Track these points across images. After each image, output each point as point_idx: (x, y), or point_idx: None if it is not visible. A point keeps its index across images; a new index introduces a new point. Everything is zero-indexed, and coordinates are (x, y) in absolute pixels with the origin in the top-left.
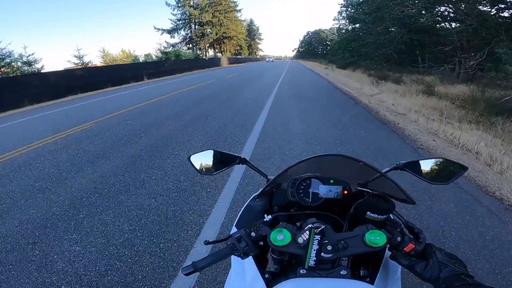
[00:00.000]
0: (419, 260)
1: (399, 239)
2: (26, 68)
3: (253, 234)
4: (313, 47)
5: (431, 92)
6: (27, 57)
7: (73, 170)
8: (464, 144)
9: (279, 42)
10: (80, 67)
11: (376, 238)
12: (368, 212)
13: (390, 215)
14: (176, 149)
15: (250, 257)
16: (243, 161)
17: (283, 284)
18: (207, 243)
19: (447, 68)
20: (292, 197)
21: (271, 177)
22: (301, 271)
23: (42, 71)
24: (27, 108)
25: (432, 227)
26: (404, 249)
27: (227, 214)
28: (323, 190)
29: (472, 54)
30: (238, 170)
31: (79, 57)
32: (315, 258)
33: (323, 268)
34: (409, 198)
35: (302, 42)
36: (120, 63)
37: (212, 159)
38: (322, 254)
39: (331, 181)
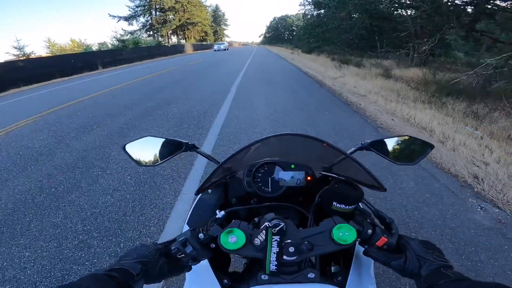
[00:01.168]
0: (395, 255)
1: (370, 232)
2: None
3: (201, 235)
4: (280, 32)
5: (388, 75)
6: None
7: (14, 170)
8: (419, 122)
9: (246, 28)
10: (22, 58)
11: (344, 234)
12: (334, 203)
13: (361, 204)
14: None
15: (206, 260)
16: (191, 147)
17: None
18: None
19: (402, 53)
20: (249, 187)
21: (226, 165)
22: (262, 277)
23: None
24: None
25: (396, 207)
26: (376, 243)
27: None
28: (284, 177)
29: (425, 39)
30: (202, 157)
31: (19, 48)
32: (276, 262)
33: (288, 272)
34: (379, 184)
35: (268, 27)
36: (70, 52)
37: (152, 147)
38: (284, 257)
39: (292, 166)
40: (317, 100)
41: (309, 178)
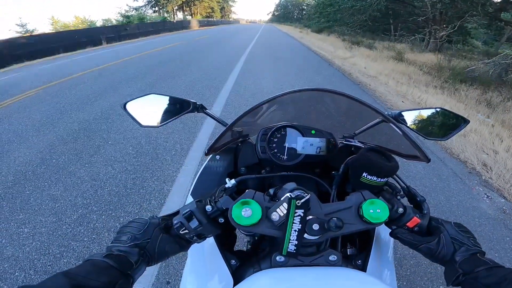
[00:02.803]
0: (427, 237)
1: (401, 210)
2: None
3: (208, 207)
4: (289, 11)
5: (400, 58)
6: None
7: (15, 141)
8: (430, 106)
9: (253, 5)
10: (25, 35)
11: (376, 211)
12: (364, 174)
13: (393, 178)
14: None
15: (211, 238)
16: (199, 108)
17: (255, 276)
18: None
19: (418, 38)
20: (262, 153)
21: (236, 129)
22: (277, 259)
23: None
24: None
25: None
26: (407, 224)
27: (194, 180)
28: (303, 144)
29: (444, 25)
30: (206, 127)
31: (22, 25)
32: (296, 242)
33: (306, 253)
34: (423, 154)
35: (278, 5)
36: (74, 29)
37: (156, 106)
38: (305, 235)
39: (313, 131)
40: (325, 78)
41: (330, 146)
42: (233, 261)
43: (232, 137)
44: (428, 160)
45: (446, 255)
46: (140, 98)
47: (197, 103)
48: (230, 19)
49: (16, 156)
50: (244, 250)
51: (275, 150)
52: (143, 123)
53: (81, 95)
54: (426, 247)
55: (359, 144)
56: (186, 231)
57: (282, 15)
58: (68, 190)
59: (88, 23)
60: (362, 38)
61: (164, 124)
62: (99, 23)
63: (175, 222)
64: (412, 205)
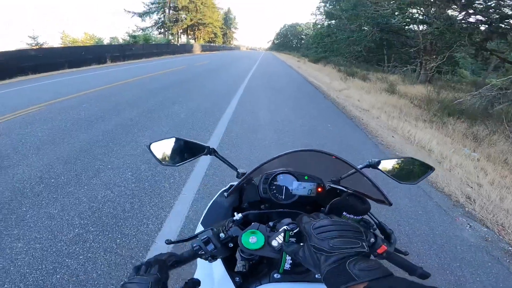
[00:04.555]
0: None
1: (372, 240)
2: None
3: (222, 235)
4: (288, 40)
5: (393, 91)
6: None
7: (15, 158)
8: (419, 141)
9: (254, 33)
10: (35, 47)
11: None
12: (344, 213)
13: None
14: (137, 136)
15: (219, 259)
16: (212, 151)
17: None
18: (168, 242)
19: (409, 69)
20: (264, 193)
21: (241, 170)
22: (275, 276)
23: None
24: None
25: (389, 221)
26: (377, 250)
27: (191, 207)
28: (297, 187)
29: (434, 56)
30: (204, 158)
31: (34, 38)
32: (291, 261)
33: (299, 272)
34: (386, 199)
35: (278, 34)
36: (81, 45)
37: (175, 148)
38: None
39: (306, 177)
40: (320, 111)
41: (319, 189)
42: (237, 278)
43: (238, 178)
44: (390, 204)
45: None
46: (163, 140)
47: (210, 147)
48: (232, 45)
49: (14, 172)
50: (243, 271)
51: (275, 191)
52: (163, 162)
53: (84, 115)
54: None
55: (342, 188)
56: (203, 252)
57: (282, 44)
58: (66, 210)
59: (96, 40)
60: (357, 68)
61: (181, 164)
62: (106, 41)
63: (194, 245)
64: (383, 236)
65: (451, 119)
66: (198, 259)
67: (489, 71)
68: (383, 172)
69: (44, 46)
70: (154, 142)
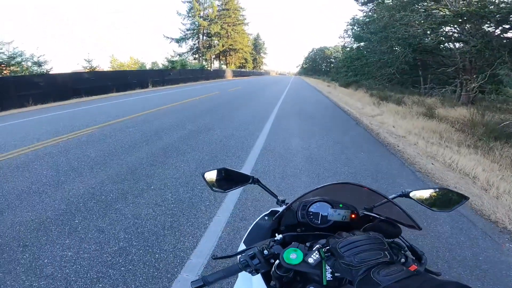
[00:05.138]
0: None
1: (402, 260)
2: (35, 68)
3: (265, 252)
4: (317, 64)
5: (431, 115)
6: (38, 57)
7: (71, 175)
8: (462, 168)
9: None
10: (88, 70)
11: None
12: None
13: (399, 239)
14: (177, 160)
15: (259, 274)
16: (255, 181)
17: None
18: (215, 257)
19: (449, 90)
20: (302, 218)
21: (281, 198)
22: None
23: (50, 72)
24: (31, 108)
25: (428, 248)
26: (409, 268)
27: (224, 228)
28: (332, 213)
29: (474, 76)
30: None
31: (89, 61)
32: (330, 274)
33: (331, 286)
34: (415, 224)
35: (306, 58)
36: (127, 69)
37: (224, 176)
38: (335, 274)
39: (340, 205)
40: (352, 139)
41: (353, 216)
42: None
43: (277, 204)
44: (420, 229)
45: None
46: (214, 170)
47: (254, 177)
48: (261, 70)
49: (70, 187)
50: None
51: (311, 217)
52: (214, 188)
53: (130, 139)
54: None
55: (375, 215)
56: (249, 265)
57: (310, 68)
58: (113, 224)
59: (139, 65)
60: (390, 92)
61: (229, 191)
62: (148, 65)
63: (241, 259)
64: (414, 257)
65: (498, 143)
66: (240, 273)
67: None
68: (416, 201)
69: (97, 70)
70: (207, 171)
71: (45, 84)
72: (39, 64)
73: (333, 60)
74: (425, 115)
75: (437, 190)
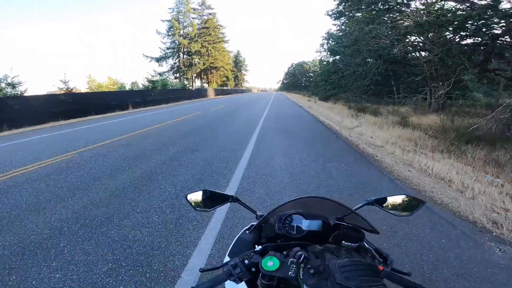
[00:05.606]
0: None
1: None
2: (9, 90)
3: (246, 261)
4: (297, 78)
5: (405, 123)
6: (12, 78)
7: (52, 200)
8: (437, 173)
9: (264, 74)
10: (64, 92)
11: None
12: (343, 241)
13: (364, 243)
14: (161, 182)
15: (243, 282)
16: (235, 199)
17: None
18: (202, 270)
19: (419, 98)
20: (279, 230)
21: (259, 213)
22: None
23: (25, 94)
24: (6, 133)
25: (411, 252)
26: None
27: (214, 246)
28: (306, 224)
29: (441, 83)
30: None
31: (65, 82)
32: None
33: None
34: (373, 229)
35: (286, 73)
36: (106, 89)
37: (206, 197)
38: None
39: (312, 216)
40: (333, 151)
41: (325, 225)
42: None
43: (257, 219)
44: (378, 233)
45: None
46: (196, 192)
47: (234, 196)
48: (243, 88)
49: (52, 213)
50: None
51: (288, 228)
52: (197, 208)
53: (112, 163)
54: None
55: (344, 223)
56: (232, 274)
57: (291, 83)
58: (100, 247)
59: (119, 85)
60: (367, 103)
61: (211, 210)
62: (128, 86)
63: (225, 269)
64: (381, 259)
65: (469, 146)
66: (227, 283)
67: (500, 91)
68: (379, 207)
69: (74, 91)
70: (189, 193)
71: (20, 107)
72: (13, 85)
73: (311, 74)
74: (400, 124)
75: (398, 196)
